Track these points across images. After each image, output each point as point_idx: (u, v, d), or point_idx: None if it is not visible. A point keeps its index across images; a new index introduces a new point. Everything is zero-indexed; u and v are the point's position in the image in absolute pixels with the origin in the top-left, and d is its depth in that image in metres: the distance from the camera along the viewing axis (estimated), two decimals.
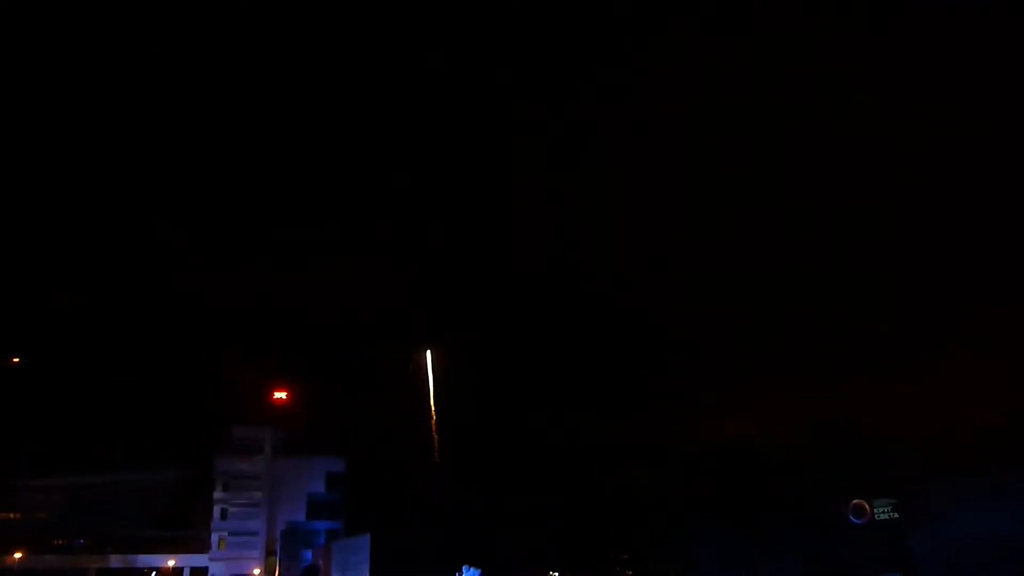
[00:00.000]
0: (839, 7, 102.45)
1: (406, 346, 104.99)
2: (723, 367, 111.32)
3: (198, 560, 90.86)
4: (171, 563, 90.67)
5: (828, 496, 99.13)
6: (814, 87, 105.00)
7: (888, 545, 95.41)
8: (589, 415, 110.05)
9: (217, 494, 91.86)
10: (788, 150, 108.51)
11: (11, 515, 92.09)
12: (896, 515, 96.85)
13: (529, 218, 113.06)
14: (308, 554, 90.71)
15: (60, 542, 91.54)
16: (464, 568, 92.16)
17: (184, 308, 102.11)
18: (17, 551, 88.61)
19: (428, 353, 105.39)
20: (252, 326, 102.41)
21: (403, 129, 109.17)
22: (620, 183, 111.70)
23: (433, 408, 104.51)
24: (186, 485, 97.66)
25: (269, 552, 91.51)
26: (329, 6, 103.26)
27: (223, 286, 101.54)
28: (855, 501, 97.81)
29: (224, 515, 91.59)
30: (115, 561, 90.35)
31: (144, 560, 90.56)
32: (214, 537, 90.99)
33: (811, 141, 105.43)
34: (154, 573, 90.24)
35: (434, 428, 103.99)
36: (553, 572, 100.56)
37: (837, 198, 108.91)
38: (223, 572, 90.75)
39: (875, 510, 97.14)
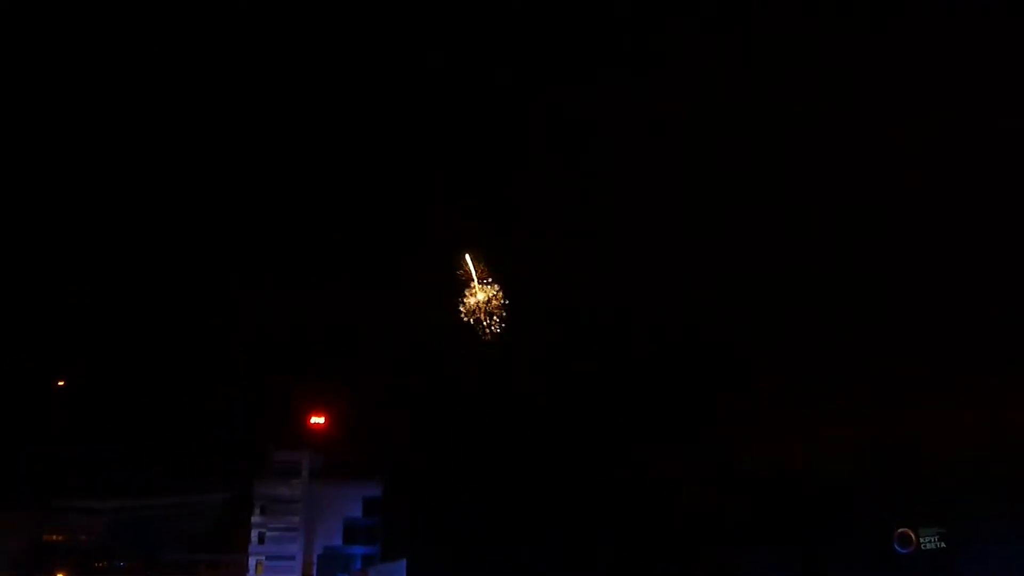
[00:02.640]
0: (839, 7, 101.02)
1: (452, 370, 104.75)
2: (771, 391, 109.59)
3: None
4: None
5: (873, 524, 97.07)
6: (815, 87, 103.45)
7: None
8: (639, 438, 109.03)
9: (255, 518, 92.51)
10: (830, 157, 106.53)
11: (55, 537, 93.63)
12: (943, 545, 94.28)
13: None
14: None
15: (101, 564, 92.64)
16: None
17: (222, 332, 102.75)
18: (59, 572, 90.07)
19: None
20: (291, 349, 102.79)
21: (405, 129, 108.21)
22: (653, 196, 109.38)
23: (477, 432, 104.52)
24: (225, 509, 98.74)
25: None
26: (329, 6, 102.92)
27: (261, 309, 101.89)
28: (901, 530, 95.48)
29: (262, 539, 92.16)
30: None
31: None
32: (252, 561, 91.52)
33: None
34: None
35: (477, 453, 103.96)
36: None
37: (891, 213, 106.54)
38: None
39: (922, 539, 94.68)
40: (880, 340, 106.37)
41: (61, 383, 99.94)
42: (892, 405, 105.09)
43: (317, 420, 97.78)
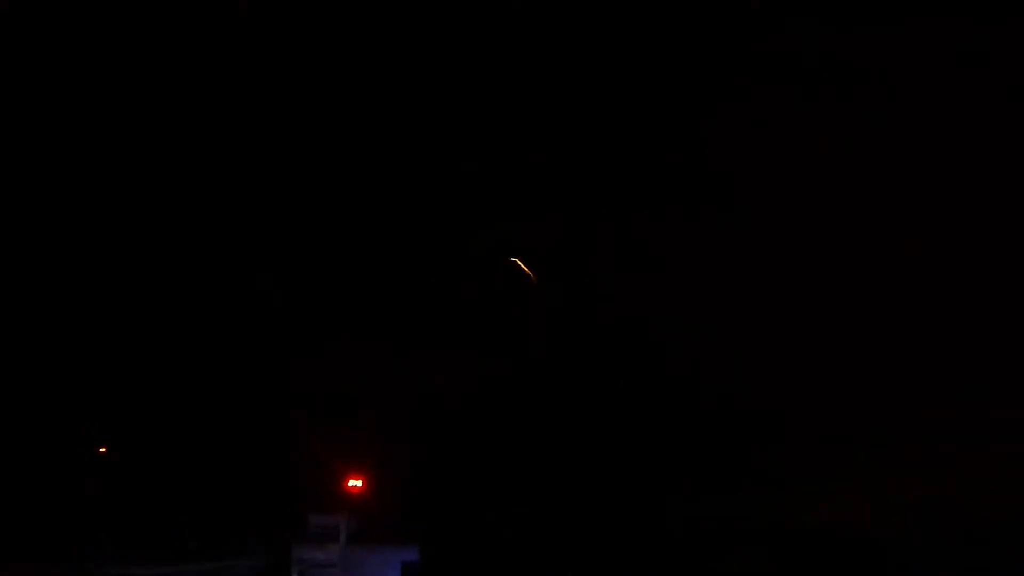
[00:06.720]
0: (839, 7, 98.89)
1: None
2: (824, 444, 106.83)
3: None
4: None
5: None
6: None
7: None
8: (687, 496, 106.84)
9: None
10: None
11: None
12: None
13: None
14: None
15: None
16: None
17: (258, 395, 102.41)
18: None
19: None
20: (328, 411, 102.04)
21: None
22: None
23: (518, 493, 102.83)
24: (262, 574, 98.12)
25: None
26: (329, 6, 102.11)
27: (299, 371, 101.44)
28: None
29: None
30: None
31: None
32: None
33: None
34: None
35: (517, 514, 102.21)
36: None
37: (944, 260, 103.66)
38: None
39: None
40: (933, 393, 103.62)
41: (103, 449, 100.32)
42: (945, 460, 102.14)
43: (355, 483, 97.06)
